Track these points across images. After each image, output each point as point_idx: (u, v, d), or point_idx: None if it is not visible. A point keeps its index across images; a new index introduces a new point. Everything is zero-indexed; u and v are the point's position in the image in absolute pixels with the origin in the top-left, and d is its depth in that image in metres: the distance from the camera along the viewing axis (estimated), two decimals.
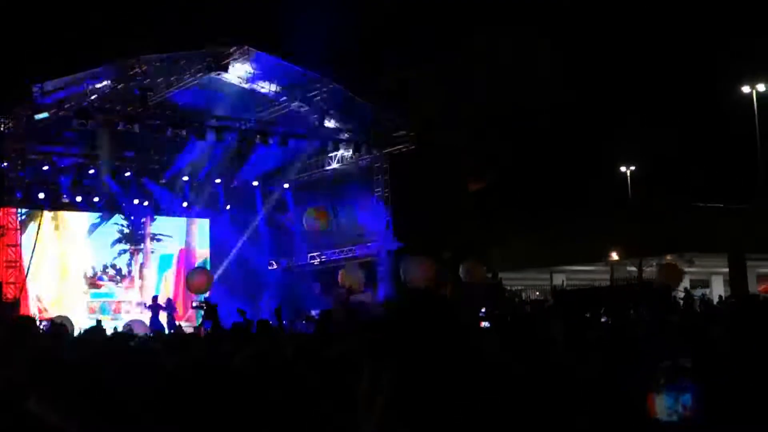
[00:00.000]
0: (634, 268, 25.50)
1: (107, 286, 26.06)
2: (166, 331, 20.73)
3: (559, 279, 28.96)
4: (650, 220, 25.92)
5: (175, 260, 27.45)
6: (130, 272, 26.45)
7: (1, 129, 20.15)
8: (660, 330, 7.97)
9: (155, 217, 27.02)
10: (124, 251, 26.48)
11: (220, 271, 26.49)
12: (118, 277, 26.27)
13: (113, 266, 26.26)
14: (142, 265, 26.44)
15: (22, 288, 21.47)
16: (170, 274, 27.21)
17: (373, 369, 2.38)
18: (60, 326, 8.49)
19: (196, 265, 25.91)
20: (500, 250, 25.30)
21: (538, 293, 29.41)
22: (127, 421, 3.35)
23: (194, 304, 21.59)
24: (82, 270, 25.64)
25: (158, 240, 27.09)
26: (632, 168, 27.73)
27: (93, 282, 25.81)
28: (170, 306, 23.95)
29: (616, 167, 27.56)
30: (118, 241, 26.54)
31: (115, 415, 3.32)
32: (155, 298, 24.10)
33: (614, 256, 26.62)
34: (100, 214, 25.89)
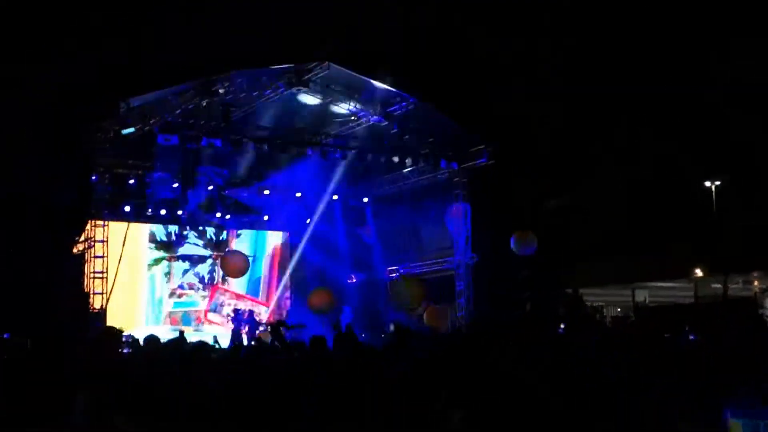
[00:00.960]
0: (719, 285, 24.90)
1: (188, 295, 26.54)
2: (245, 343, 21.05)
3: (641, 296, 28.43)
4: (735, 236, 25.25)
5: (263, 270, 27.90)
6: (213, 280, 26.87)
7: (90, 144, 20.66)
8: (751, 348, 7.78)
9: (238, 232, 27.49)
10: (206, 259, 26.93)
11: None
12: (200, 285, 26.72)
13: (196, 275, 26.75)
14: (223, 278, 26.86)
15: (109, 298, 21.99)
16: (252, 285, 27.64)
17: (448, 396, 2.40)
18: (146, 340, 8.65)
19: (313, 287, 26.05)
20: (581, 265, 24.96)
21: (619, 310, 28.91)
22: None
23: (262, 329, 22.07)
24: (166, 280, 26.21)
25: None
26: (717, 183, 27.06)
27: (174, 291, 26.32)
28: (251, 318, 24.28)
29: (700, 181, 26.92)
30: (201, 252, 27.06)
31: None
32: (236, 311, 24.51)
33: (698, 272, 26.02)
34: (183, 226, 26.44)
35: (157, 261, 26.14)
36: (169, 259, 26.29)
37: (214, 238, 27.18)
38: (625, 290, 29.38)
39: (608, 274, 27.32)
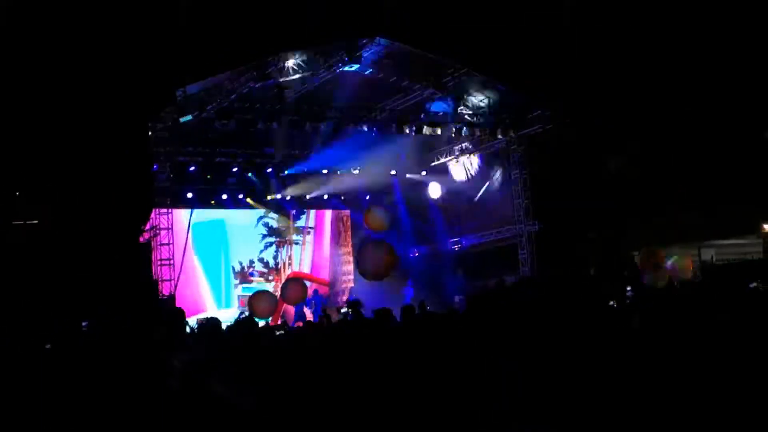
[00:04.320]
0: None
1: (257, 281, 26.86)
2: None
3: (707, 254, 27.94)
4: None
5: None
6: (277, 265, 27.16)
7: (150, 133, 20.92)
8: None
9: (300, 211, 27.72)
10: (270, 244, 27.21)
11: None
12: (266, 270, 27.03)
13: (261, 260, 27.04)
14: (289, 258, 27.12)
15: (176, 284, 22.35)
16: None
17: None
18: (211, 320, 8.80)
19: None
20: (644, 225, 24.62)
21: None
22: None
23: (342, 310, 22.12)
24: (231, 265, 26.57)
25: (307, 233, 27.78)
26: None
27: (244, 276, 26.67)
28: (317, 297, 24.49)
29: (764, 134, 26.31)
30: (266, 235, 27.34)
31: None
32: None
33: (766, 227, 25.49)
34: (245, 209, 26.74)
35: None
36: None
37: (277, 220, 27.46)
38: (691, 249, 28.92)
39: (672, 233, 26.92)
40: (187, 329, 9.58)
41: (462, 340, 5.97)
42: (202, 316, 22.27)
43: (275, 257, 27.30)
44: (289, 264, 27.28)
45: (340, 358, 6.06)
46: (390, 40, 20.61)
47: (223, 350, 6.76)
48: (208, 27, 18.14)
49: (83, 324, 11.08)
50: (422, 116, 23.61)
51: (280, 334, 12.06)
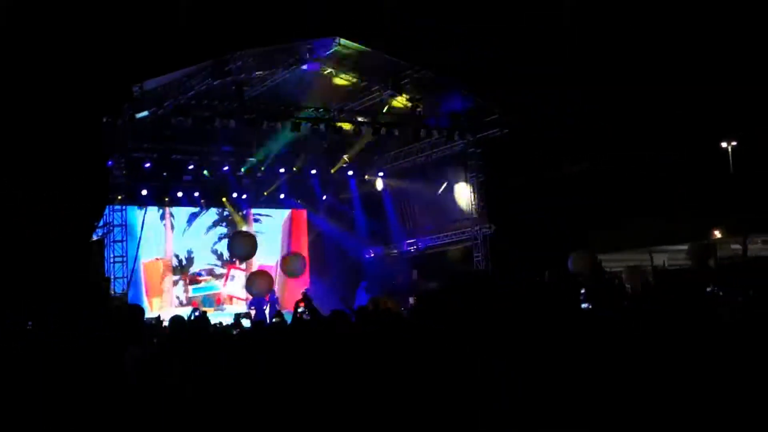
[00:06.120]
0: (738, 246, 24.73)
1: (207, 281, 26.65)
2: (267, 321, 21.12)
3: (659, 259, 28.26)
4: (755, 196, 25.08)
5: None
6: (232, 260, 26.99)
7: (106, 129, 20.68)
8: None
9: (253, 211, 27.55)
10: (224, 236, 26.92)
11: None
12: (219, 263, 26.78)
13: (214, 252, 26.81)
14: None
15: (129, 282, 22.14)
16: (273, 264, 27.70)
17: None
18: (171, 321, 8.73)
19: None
20: (599, 231, 24.90)
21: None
22: None
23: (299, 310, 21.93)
24: (185, 264, 26.33)
25: (259, 232, 27.62)
26: (733, 143, 26.90)
27: (194, 278, 26.44)
28: (272, 298, 24.35)
29: (716, 142, 26.78)
30: (216, 226, 27.09)
31: None
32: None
33: (717, 234, 25.88)
34: (199, 208, 26.52)
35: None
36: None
37: (231, 217, 27.25)
38: (643, 254, 29.19)
39: (625, 238, 27.23)
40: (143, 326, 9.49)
41: (410, 340, 5.99)
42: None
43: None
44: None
45: (298, 358, 6.06)
46: (350, 40, 20.61)
47: (180, 346, 6.75)
48: (166, 23, 18.01)
49: (28, 324, 10.89)
50: (380, 117, 23.62)
51: (237, 333, 12.03)
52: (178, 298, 25.96)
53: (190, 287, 26.29)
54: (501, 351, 4.75)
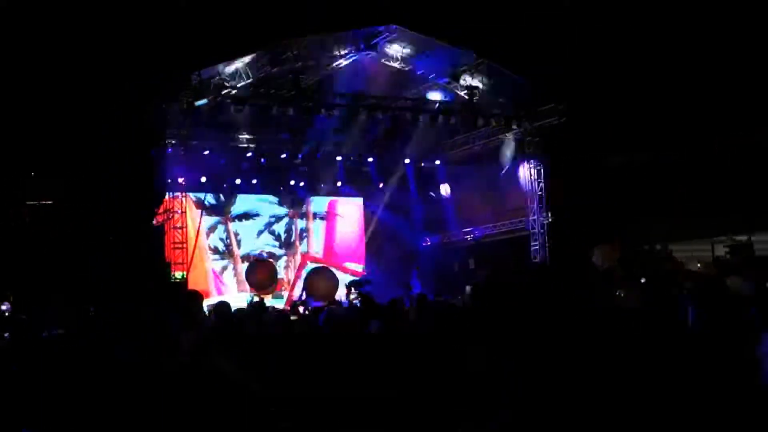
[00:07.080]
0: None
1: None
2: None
3: (721, 250, 27.73)
4: None
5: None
6: (290, 237, 27.12)
7: (165, 116, 20.91)
8: None
9: (311, 197, 27.69)
10: (282, 216, 27.13)
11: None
12: (276, 243, 26.98)
13: (272, 233, 27.02)
14: (305, 232, 27.27)
15: (189, 268, 22.40)
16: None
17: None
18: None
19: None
20: (659, 220, 24.51)
21: (699, 265, 28.32)
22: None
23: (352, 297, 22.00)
24: (241, 250, 26.54)
25: (320, 218, 27.75)
26: None
27: (249, 258, 26.63)
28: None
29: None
30: (277, 220, 27.30)
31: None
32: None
33: None
34: (259, 195, 26.72)
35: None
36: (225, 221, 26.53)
37: (291, 206, 27.46)
38: (705, 245, 28.68)
39: (687, 228, 26.77)
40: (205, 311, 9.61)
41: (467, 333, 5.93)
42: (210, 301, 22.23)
43: (287, 230, 27.26)
44: (305, 236, 27.30)
45: (347, 349, 6.05)
46: (406, 28, 20.56)
47: (232, 331, 6.80)
48: (223, 11, 18.14)
49: (90, 309, 11.08)
50: (437, 105, 23.54)
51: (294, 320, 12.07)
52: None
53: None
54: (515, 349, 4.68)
